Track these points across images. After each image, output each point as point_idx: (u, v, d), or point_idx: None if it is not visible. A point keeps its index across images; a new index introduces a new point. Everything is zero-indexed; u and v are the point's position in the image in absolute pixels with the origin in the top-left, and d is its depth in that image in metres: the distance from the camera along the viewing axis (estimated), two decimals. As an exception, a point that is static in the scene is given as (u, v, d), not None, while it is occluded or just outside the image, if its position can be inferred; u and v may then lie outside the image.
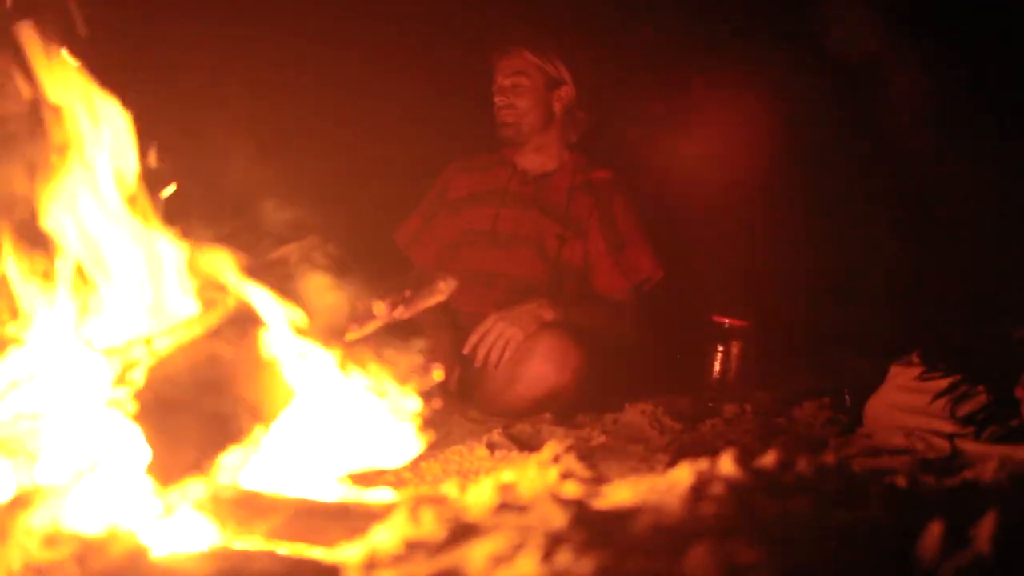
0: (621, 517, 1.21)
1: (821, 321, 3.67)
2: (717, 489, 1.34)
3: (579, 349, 2.78)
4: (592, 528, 1.17)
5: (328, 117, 3.23)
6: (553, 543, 1.13)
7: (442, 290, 2.03)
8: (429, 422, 2.77)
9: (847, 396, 2.90)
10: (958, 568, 1.16)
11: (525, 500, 1.26)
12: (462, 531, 1.21)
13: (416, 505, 1.27)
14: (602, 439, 2.26)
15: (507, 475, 1.76)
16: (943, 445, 2.15)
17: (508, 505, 1.25)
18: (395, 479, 2.22)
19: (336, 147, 3.27)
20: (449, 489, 1.60)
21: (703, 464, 1.46)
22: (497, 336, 2.83)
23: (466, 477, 2.07)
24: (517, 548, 1.13)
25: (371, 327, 1.93)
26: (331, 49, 3.31)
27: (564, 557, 1.10)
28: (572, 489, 1.53)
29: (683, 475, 1.39)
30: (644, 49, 3.61)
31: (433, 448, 2.45)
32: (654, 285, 3.15)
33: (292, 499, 1.35)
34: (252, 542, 1.27)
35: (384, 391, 1.60)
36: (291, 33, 3.19)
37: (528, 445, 2.31)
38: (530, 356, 2.78)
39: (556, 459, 1.81)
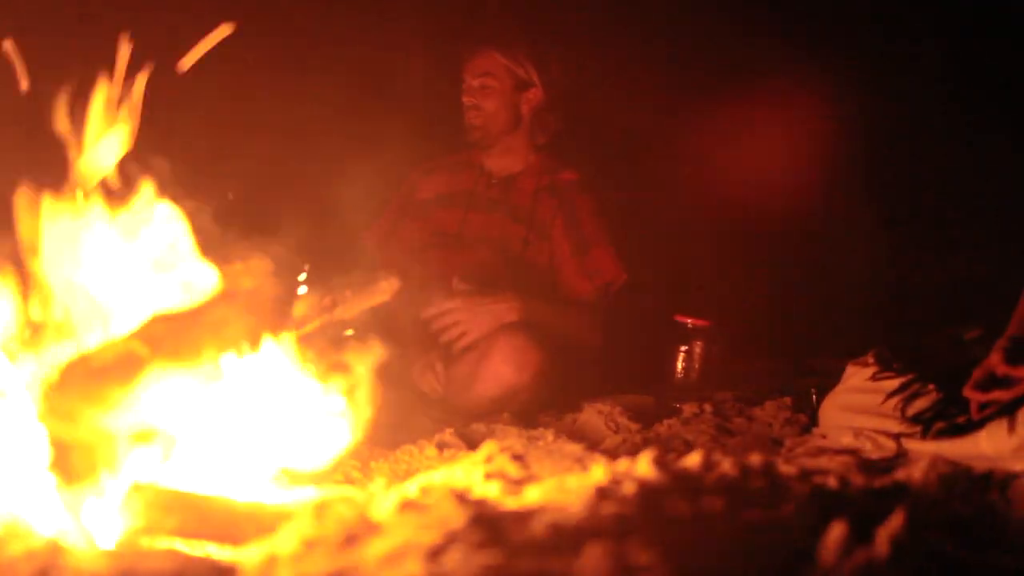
0: (521, 517, 1.21)
1: (796, 322, 3.68)
2: (628, 489, 1.35)
3: (539, 350, 2.78)
4: (489, 528, 1.17)
5: (287, 114, 3.22)
6: (447, 543, 1.14)
7: (384, 289, 2.02)
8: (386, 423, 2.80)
9: (814, 396, 2.89)
10: (854, 568, 1.16)
11: (429, 500, 1.26)
12: (362, 530, 1.22)
13: (322, 504, 1.27)
14: (550, 438, 2.26)
15: (435, 475, 1.77)
16: (890, 445, 2.15)
17: (411, 505, 1.25)
18: (344, 477, 2.23)
19: (295, 145, 3.26)
20: (372, 488, 1.60)
21: (621, 464, 1.46)
22: (452, 324, 2.85)
23: (410, 476, 2.08)
24: (411, 548, 1.13)
25: (310, 327, 1.93)
26: (296, 45, 3.30)
27: (453, 557, 1.10)
28: (490, 489, 1.53)
29: (597, 475, 1.39)
30: (617, 51, 3.60)
31: (387, 447, 2.47)
32: (619, 287, 3.13)
33: (205, 497, 1.35)
34: (154, 540, 1.27)
35: (313, 389, 1.60)
36: (257, 28, 3.17)
37: (478, 445, 2.31)
38: (489, 356, 2.78)
39: (490, 459, 1.81)
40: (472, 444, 2.32)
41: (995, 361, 2.08)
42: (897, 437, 2.15)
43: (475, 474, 1.61)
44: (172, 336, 1.48)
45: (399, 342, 3.03)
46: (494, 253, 3.11)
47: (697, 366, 2.98)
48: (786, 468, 1.74)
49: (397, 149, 3.32)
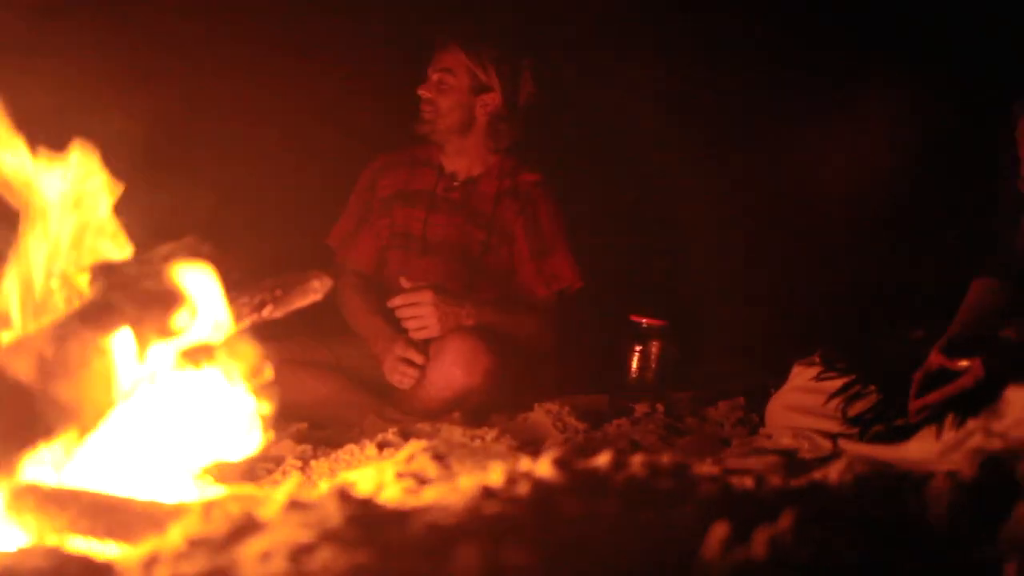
0: (401, 517, 1.21)
1: (763, 322, 3.66)
2: (522, 489, 1.35)
3: (489, 352, 2.78)
4: (366, 527, 1.17)
5: (230, 113, 3.21)
6: (320, 542, 1.14)
7: (316, 289, 2.00)
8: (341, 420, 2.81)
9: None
10: (731, 568, 1.16)
11: (315, 499, 1.26)
12: (246, 529, 1.22)
13: (211, 503, 1.28)
14: (489, 438, 2.26)
15: (349, 474, 1.77)
16: (827, 445, 2.15)
17: (297, 503, 1.26)
18: (283, 476, 2.24)
19: (236, 146, 3.25)
20: (283, 487, 1.60)
21: (523, 464, 1.46)
22: (418, 315, 2.86)
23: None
24: (283, 547, 1.14)
25: (237, 327, 1.93)
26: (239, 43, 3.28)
27: (322, 556, 1.11)
28: (396, 489, 1.53)
29: (494, 475, 1.39)
30: (589, 56, 3.58)
31: (331, 446, 2.48)
32: (575, 292, 3.11)
33: (99, 495, 1.36)
34: (44, 538, 1.28)
35: (224, 390, 1.61)
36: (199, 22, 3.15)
37: (420, 444, 2.31)
38: (440, 358, 2.80)
39: (411, 458, 1.82)
40: (413, 444, 2.33)
41: (933, 361, 2.08)
42: (835, 438, 2.15)
43: (388, 474, 1.61)
44: (80, 335, 1.49)
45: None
46: (454, 257, 3.09)
47: (653, 365, 2.98)
48: (705, 469, 1.74)
49: (344, 146, 3.30)
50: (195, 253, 1.93)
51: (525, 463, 1.45)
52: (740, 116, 3.44)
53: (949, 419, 1.93)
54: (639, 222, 3.62)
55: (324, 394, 2.94)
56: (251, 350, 1.71)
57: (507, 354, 2.84)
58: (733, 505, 1.49)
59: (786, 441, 2.22)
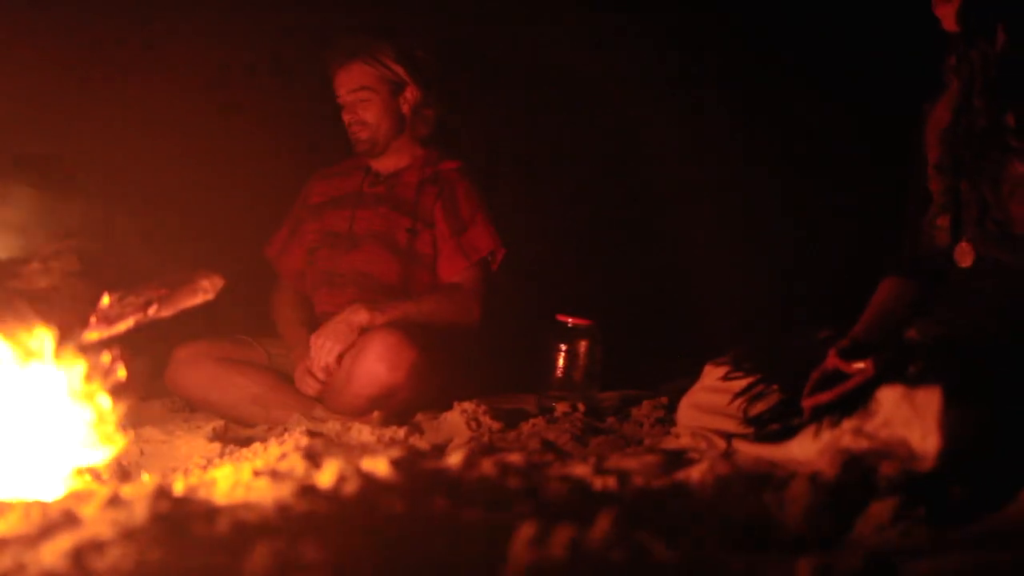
0: (212, 513, 1.22)
1: (706, 321, 3.66)
2: (348, 488, 1.36)
3: (414, 348, 2.78)
4: (172, 524, 1.18)
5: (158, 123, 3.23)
6: (119, 539, 1.15)
7: (206, 288, 2.02)
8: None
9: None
10: (529, 568, 1.17)
11: (130, 497, 1.27)
12: (60, 527, 1.24)
13: (35, 502, 1.29)
14: (388, 437, 2.28)
15: (213, 472, 1.78)
16: (723, 445, 2.15)
17: (115, 500, 1.27)
18: (184, 474, 2.26)
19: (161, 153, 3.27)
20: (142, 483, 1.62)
21: (365, 463, 1.47)
22: (318, 352, 2.92)
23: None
24: (82, 543, 1.15)
25: (121, 327, 1.94)
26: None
27: (113, 553, 1.12)
28: (242, 488, 1.54)
29: (326, 474, 1.40)
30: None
31: (246, 444, 2.50)
32: (500, 263, 3.14)
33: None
34: None
35: (78, 391, 1.62)
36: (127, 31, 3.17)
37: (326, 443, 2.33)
38: (363, 355, 2.80)
39: (282, 457, 1.83)
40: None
41: (828, 363, 2.07)
42: (729, 438, 2.15)
43: (245, 473, 1.63)
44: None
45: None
46: (380, 247, 3.13)
47: (581, 364, 2.98)
48: (574, 469, 1.75)
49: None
50: (81, 253, 1.95)
51: (366, 462, 1.47)
52: (669, 111, 3.43)
53: (826, 419, 1.93)
54: (570, 221, 3.63)
55: (255, 392, 2.97)
56: (104, 350, 1.72)
57: (434, 349, 2.84)
58: (574, 506, 1.50)
59: (684, 441, 2.21)
